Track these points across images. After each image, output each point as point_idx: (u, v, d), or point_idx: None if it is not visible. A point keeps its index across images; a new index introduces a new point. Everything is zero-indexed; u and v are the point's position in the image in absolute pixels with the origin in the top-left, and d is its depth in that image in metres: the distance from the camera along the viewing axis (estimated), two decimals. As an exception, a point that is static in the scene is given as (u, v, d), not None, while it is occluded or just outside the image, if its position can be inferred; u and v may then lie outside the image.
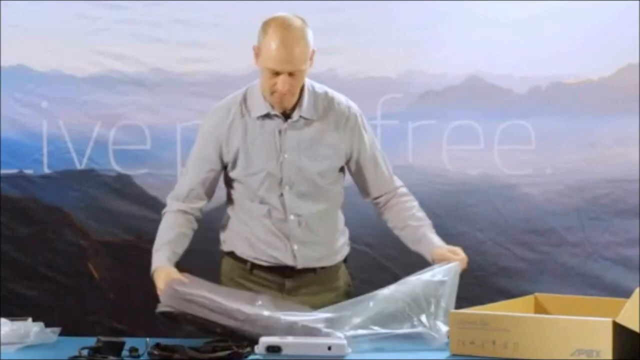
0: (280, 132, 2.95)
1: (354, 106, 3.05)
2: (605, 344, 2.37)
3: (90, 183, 4.26)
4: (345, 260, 3.13)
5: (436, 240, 2.99)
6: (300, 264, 3.01)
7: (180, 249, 3.00)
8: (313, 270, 3.02)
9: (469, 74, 4.25)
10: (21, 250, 4.22)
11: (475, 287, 3.91)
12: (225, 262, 3.14)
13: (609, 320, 2.39)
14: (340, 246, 3.10)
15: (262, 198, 2.99)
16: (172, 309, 2.64)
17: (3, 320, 2.68)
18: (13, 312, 2.88)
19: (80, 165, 4.26)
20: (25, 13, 4.21)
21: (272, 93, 2.90)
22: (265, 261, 3.02)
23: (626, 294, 2.60)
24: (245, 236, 3.05)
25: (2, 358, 2.48)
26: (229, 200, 3.11)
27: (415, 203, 3.08)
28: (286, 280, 3.02)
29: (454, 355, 2.57)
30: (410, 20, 4.21)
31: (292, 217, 2.97)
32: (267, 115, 2.96)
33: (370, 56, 4.22)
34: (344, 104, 3.03)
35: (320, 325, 2.67)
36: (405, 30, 4.20)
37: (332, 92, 3.03)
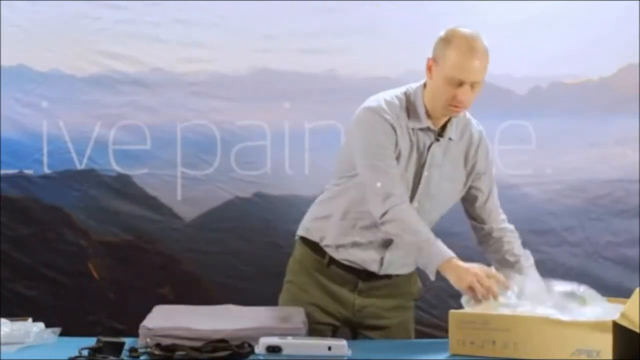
0: (428, 148, 2.91)
1: (483, 130, 3.03)
2: (605, 344, 2.37)
3: (90, 183, 4.26)
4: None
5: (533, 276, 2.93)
6: (382, 272, 3.00)
7: None
8: (389, 276, 3.02)
9: (469, 74, 4.25)
10: (21, 250, 4.22)
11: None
12: (300, 249, 3.09)
13: (609, 320, 2.39)
14: None
15: None
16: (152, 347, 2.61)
17: (3, 320, 2.67)
18: (13, 312, 2.87)
19: (80, 165, 4.26)
20: (25, 13, 4.21)
21: (448, 105, 2.82)
22: (347, 260, 2.99)
23: (626, 294, 2.60)
24: (339, 231, 2.98)
25: (2, 358, 2.48)
26: (342, 194, 2.99)
27: (518, 241, 3.05)
28: (360, 281, 3.00)
29: (453, 355, 2.56)
30: (410, 21, 4.21)
31: None
32: (424, 129, 2.89)
33: (370, 56, 4.22)
34: (476, 127, 3.01)
35: (289, 326, 2.69)
36: (405, 30, 4.20)
37: (467, 114, 2.99)
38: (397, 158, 2.86)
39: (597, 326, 2.40)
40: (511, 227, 3.07)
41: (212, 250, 4.27)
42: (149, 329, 2.61)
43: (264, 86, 4.26)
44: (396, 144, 2.86)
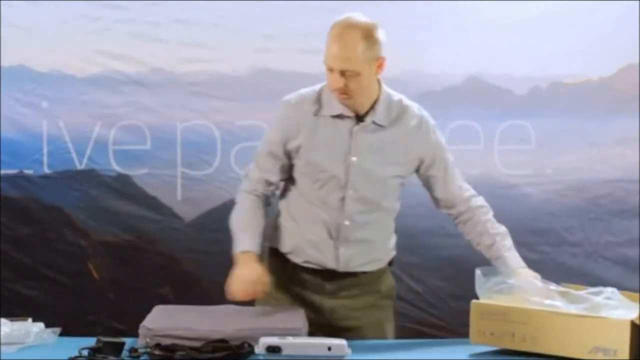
0: (351, 133, 2.91)
1: (426, 115, 3.01)
2: (622, 344, 2.37)
3: (90, 183, 4.27)
4: (390, 264, 3.10)
5: (512, 261, 2.92)
6: (342, 268, 2.97)
7: (260, 237, 2.98)
8: (354, 274, 2.99)
9: (469, 74, 4.26)
10: (21, 250, 4.22)
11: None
12: (269, 258, 3.08)
13: (628, 319, 2.38)
14: (386, 253, 3.06)
15: (322, 200, 2.93)
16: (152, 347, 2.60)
17: (3, 320, 2.67)
18: (13, 312, 2.87)
19: (80, 165, 4.26)
20: (25, 13, 4.21)
21: (333, 91, 2.87)
22: (307, 262, 2.98)
23: (626, 294, 2.60)
24: (291, 234, 3.01)
25: (2, 358, 2.48)
26: (284, 196, 3.05)
27: (489, 215, 3.02)
28: (326, 283, 2.99)
29: (474, 343, 2.56)
30: (410, 21, 4.21)
31: (347, 222, 2.93)
32: (339, 116, 2.91)
33: (370, 56, 4.21)
34: (417, 113, 2.99)
35: (300, 326, 2.69)
36: (404, 30, 4.20)
37: (406, 101, 2.99)
38: (300, 148, 2.91)
39: (615, 325, 2.39)
40: (479, 201, 3.03)
41: (212, 250, 4.26)
42: (149, 329, 2.61)
43: (264, 86, 4.26)
44: (286, 135, 2.94)
